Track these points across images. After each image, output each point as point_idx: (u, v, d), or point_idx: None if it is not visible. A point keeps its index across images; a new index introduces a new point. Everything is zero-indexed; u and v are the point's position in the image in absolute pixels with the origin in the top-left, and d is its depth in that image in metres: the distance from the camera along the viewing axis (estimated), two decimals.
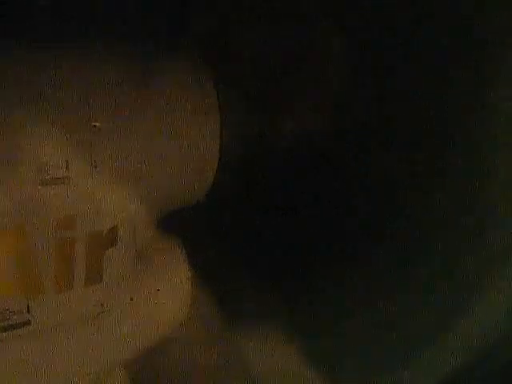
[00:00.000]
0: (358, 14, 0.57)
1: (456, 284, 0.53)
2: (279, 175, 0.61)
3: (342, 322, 0.57)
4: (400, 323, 0.55)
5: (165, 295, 0.50)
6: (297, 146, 0.60)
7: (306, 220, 0.62)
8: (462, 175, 0.54)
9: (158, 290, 0.49)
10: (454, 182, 0.54)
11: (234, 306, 0.58)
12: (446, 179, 0.55)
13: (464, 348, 0.53)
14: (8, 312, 0.40)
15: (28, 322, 0.41)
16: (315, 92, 0.61)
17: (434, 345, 0.54)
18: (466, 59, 0.52)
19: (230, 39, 0.58)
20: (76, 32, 0.47)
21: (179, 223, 0.51)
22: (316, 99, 0.61)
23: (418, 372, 0.55)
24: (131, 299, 0.46)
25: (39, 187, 0.41)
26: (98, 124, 0.43)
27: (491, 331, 0.52)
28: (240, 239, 0.61)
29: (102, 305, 0.44)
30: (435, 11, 0.52)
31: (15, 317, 0.40)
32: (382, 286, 0.57)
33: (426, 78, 0.55)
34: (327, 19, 0.59)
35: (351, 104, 0.60)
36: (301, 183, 0.61)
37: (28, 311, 0.41)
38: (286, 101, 0.60)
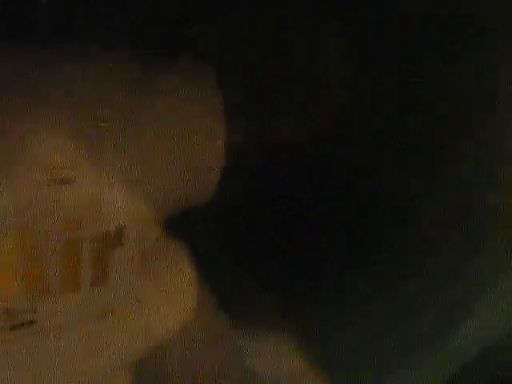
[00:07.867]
0: (357, 14, 0.57)
1: (457, 285, 0.53)
2: (280, 175, 0.62)
3: (342, 322, 0.57)
4: (400, 324, 0.55)
5: (170, 296, 0.50)
6: (298, 147, 0.61)
7: (306, 220, 0.62)
8: (463, 176, 0.54)
9: (164, 291, 0.49)
10: (454, 183, 0.54)
11: (236, 307, 0.58)
12: (446, 180, 0.55)
13: (465, 349, 0.54)
14: (14, 311, 0.40)
15: (34, 322, 0.41)
16: (315, 92, 0.61)
17: (435, 345, 0.54)
18: (466, 59, 0.52)
19: (230, 40, 0.58)
20: (76, 33, 0.47)
21: (184, 225, 0.51)
22: (316, 100, 0.61)
23: (418, 373, 0.55)
24: (137, 300, 0.46)
25: (46, 188, 0.40)
26: (103, 124, 0.43)
27: (493, 332, 0.53)
28: (241, 240, 0.62)
29: (107, 305, 0.44)
30: (435, 11, 0.52)
31: (21, 316, 0.40)
32: (382, 287, 0.57)
33: (426, 78, 0.55)
34: (327, 20, 0.59)
35: (351, 105, 0.61)
36: (301, 183, 0.61)
37: (34, 311, 0.41)
38: (288, 102, 0.60)
